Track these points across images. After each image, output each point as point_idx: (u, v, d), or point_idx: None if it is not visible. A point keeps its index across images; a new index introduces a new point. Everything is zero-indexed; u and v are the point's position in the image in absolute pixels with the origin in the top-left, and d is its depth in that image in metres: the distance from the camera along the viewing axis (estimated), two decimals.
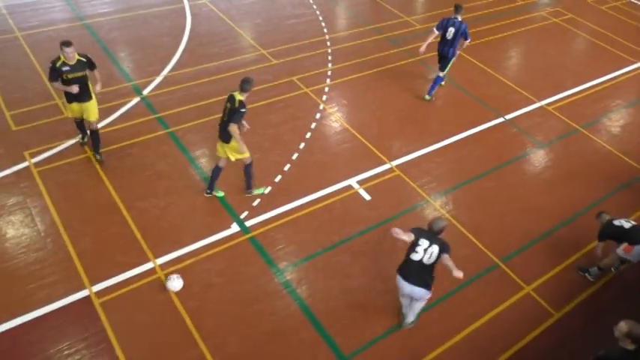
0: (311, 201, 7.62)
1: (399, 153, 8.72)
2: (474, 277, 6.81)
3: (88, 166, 7.75)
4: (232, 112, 6.57)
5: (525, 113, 10.13)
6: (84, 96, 7.31)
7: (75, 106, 7.43)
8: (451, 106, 10.16)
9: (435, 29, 9.70)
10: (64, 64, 7.05)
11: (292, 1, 12.98)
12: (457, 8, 9.52)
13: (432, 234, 5.67)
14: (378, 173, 8.25)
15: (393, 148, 8.82)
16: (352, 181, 8.03)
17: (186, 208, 7.30)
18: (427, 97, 10.07)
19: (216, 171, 7.20)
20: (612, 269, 7.06)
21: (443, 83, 10.46)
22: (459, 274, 5.27)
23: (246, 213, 7.29)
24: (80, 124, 7.83)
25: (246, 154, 6.98)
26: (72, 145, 8.05)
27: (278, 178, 7.92)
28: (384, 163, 8.47)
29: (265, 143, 8.56)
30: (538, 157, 9.18)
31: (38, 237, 6.68)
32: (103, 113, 8.63)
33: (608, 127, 10.13)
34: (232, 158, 6.99)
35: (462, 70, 11.14)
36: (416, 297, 5.77)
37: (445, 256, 5.49)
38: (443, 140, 9.14)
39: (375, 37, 11.85)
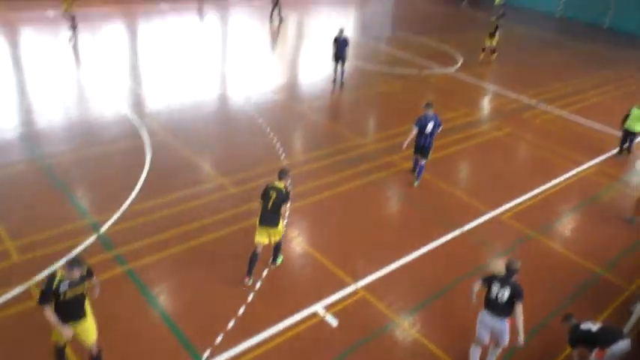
0: (277, 332, 7.34)
1: (363, 272, 8.70)
2: None
3: (36, 314, 7.32)
4: (285, 197, 7.90)
5: (481, 224, 10.47)
6: (79, 313, 5.94)
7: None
8: (410, 222, 10.42)
9: (414, 127, 11.06)
10: (62, 281, 5.65)
11: (249, 129, 13.57)
12: (428, 105, 11.10)
13: (505, 277, 6.62)
14: (344, 296, 8.14)
15: (357, 268, 8.82)
16: (318, 307, 7.86)
17: (145, 351, 6.88)
18: (416, 183, 11.56)
19: (255, 257, 8.11)
20: None
21: (415, 182, 11.65)
22: (520, 340, 6.45)
23: (208, 352, 6.92)
24: (62, 352, 6.26)
25: (282, 232, 8.33)
26: (19, 294, 7.66)
27: (241, 311, 7.67)
28: (348, 284, 8.39)
29: (226, 275, 8.40)
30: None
31: None
32: (58, 255, 8.39)
33: (560, 231, 10.55)
34: (275, 238, 8.15)
35: (417, 187, 11.60)
36: (496, 331, 6.68)
37: (518, 306, 6.47)
38: (405, 256, 9.23)
39: (332, 160, 12.34)
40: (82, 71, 16.59)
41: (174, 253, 8.77)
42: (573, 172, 13.02)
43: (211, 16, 25.34)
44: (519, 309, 6.47)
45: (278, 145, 12.80)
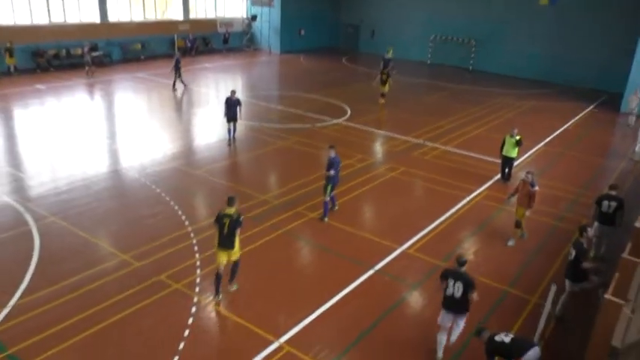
0: None
1: (285, 327, 8.50)
2: None
3: None
4: (236, 222, 8.90)
5: (391, 260, 10.78)
6: None
7: None
8: (325, 268, 10.46)
9: (330, 170, 11.94)
10: None
11: (147, 201, 13.03)
12: (332, 147, 12.15)
13: (457, 270, 7.76)
14: (268, 355, 7.85)
15: (279, 323, 8.61)
16: None
17: None
18: (336, 208, 12.72)
19: (219, 277, 9.01)
20: None
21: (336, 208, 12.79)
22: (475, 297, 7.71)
23: None
24: None
25: (239, 253, 9.23)
26: None
27: None
28: (272, 342, 8.13)
29: (141, 352, 7.79)
30: (414, 299, 9.60)
31: None
32: None
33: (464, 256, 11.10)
34: (233, 258, 9.08)
35: (324, 233, 11.76)
36: (458, 322, 7.91)
37: (472, 295, 7.63)
38: (324, 304, 9.19)
39: None
40: None
41: (79, 341, 7.99)
42: (466, 200, 13.96)
43: (97, 91, 24.58)
44: (474, 296, 7.65)
45: (180, 212, 12.41)
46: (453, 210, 13.31)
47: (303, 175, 14.96)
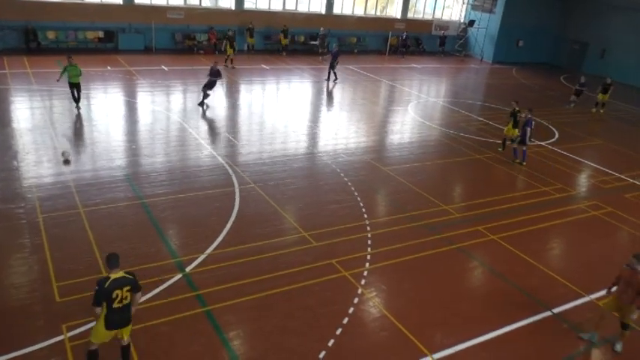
0: None
1: (440, 345, 8.26)
2: None
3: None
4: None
5: (575, 307, 9.68)
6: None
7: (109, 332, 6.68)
8: (494, 295, 9.87)
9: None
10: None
11: (335, 187, 13.76)
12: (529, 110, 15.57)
13: None
14: None
15: (435, 338, 8.40)
16: None
17: None
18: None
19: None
20: None
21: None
22: None
23: None
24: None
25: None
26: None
27: None
28: (424, 355, 7.99)
29: (301, 327, 8.35)
30: (594, 358, 8.50)
31: None
32: (145, 289, 8.80)
33: None
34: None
35: (503, 259, 11.05)
36: None
37: None
38: (487, 333, 8.68)
39: (414, 224, 12.13)
40: (187, 121, 17.92)
41: (250, 301, 8.88)
42: None
43: (309, 77, 26.61)
44: None
45: (362, 204, 12.84)
46: None
47: (491, 193, 14.25)
